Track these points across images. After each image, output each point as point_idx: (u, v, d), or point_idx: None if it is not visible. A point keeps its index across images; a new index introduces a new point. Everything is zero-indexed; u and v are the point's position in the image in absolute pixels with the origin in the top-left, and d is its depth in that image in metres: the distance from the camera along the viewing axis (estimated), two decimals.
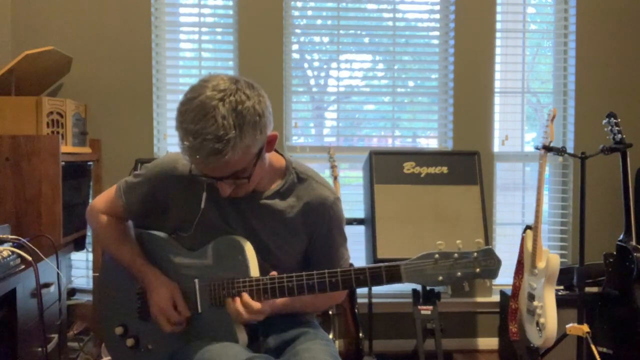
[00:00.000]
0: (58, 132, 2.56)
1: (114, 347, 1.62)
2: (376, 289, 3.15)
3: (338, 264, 1.55)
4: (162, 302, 1.46)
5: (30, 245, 2.01)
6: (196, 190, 1.48)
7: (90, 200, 3.03)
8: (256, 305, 1.40)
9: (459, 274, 1.35)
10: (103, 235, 1.61)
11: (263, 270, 1.45)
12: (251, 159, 1.34)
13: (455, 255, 1.35)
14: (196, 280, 1.47)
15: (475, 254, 1.35)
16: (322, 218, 1.53)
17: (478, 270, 1.34)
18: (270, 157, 1.48)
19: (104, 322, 1.64)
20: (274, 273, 1.43)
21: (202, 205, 1.47)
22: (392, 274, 1.37)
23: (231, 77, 1.32)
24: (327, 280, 1.39)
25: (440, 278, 1.35)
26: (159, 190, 1.53)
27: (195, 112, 1.26)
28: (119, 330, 1.59)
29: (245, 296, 1.40)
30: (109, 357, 1.66)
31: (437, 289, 2.88)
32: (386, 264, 1.37)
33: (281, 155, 1.55)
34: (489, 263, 1.35)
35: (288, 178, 1.52)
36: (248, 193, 1.45)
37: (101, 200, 1.62)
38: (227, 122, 1.25)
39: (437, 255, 1.35)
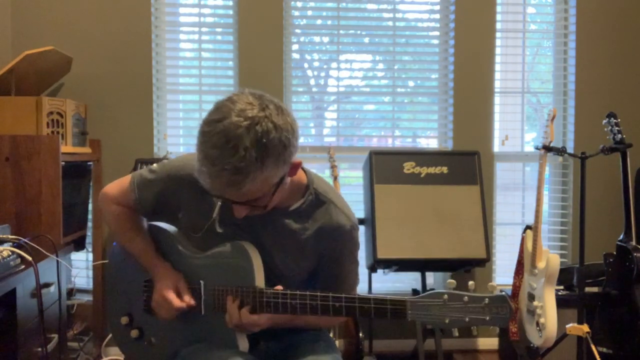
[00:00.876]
0: (58, 132, 2.56)
1: (119, 336, 1.63)
2: (376, 288, 3.15)
3: (343, 290, 1.48)
4: (164, 290, 1.45)
5: (32, 244, 2.01)
6: (209, 197, 1.44)
7: (90, 200, 3.03)
8: (252, 318, 1.38)
9: (467, 319, 1.27)
10: (115, 225, 1.60)
11: (269, 283, 1.43)
12: (270, 187, 1.29)
13: (466, 298, 1.27)
14: (202, 282, 1.47)
15: (487, 300, 1.27)
16: (335, 245, 1.49)
17: (488, 318, 1.27)
18: None
19: (111, 310, 1.65)
20: (279, 287, 1.40)
21: (214, 215, 1.46)
22: (397, 308, 1.31)
23: (261, 101, 1.23)
24: (330, 305, 1.36)
25: (447, 320, 1.28)
26: (172, 192, 1.50)
27: (217, 138, 1.19)
28: (124, 319, 1.59)
29: (244, 309, 1.38)
30: (109, 357, 1.66)
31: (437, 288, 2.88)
32: (392, 297, 1.32)
33: (304, 171, 1.49)
34: (500, 311, 1.27)
35: (307, 198, 1.47)
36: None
37: (114, 188, 1.60)
38: (249, 154, 1.18)
39: (446, 296, 1.28)
